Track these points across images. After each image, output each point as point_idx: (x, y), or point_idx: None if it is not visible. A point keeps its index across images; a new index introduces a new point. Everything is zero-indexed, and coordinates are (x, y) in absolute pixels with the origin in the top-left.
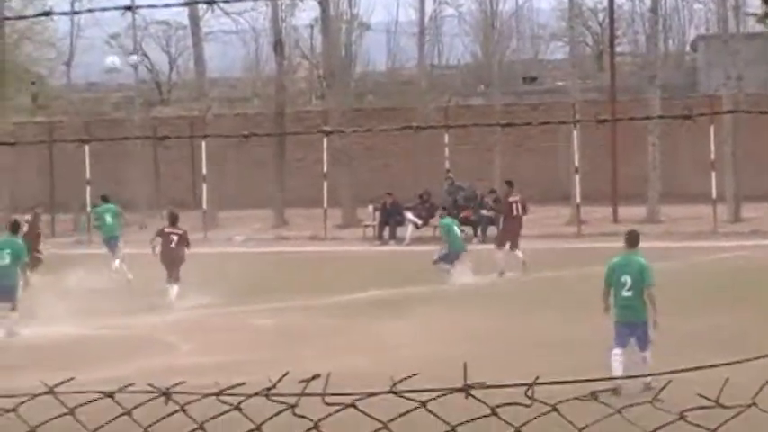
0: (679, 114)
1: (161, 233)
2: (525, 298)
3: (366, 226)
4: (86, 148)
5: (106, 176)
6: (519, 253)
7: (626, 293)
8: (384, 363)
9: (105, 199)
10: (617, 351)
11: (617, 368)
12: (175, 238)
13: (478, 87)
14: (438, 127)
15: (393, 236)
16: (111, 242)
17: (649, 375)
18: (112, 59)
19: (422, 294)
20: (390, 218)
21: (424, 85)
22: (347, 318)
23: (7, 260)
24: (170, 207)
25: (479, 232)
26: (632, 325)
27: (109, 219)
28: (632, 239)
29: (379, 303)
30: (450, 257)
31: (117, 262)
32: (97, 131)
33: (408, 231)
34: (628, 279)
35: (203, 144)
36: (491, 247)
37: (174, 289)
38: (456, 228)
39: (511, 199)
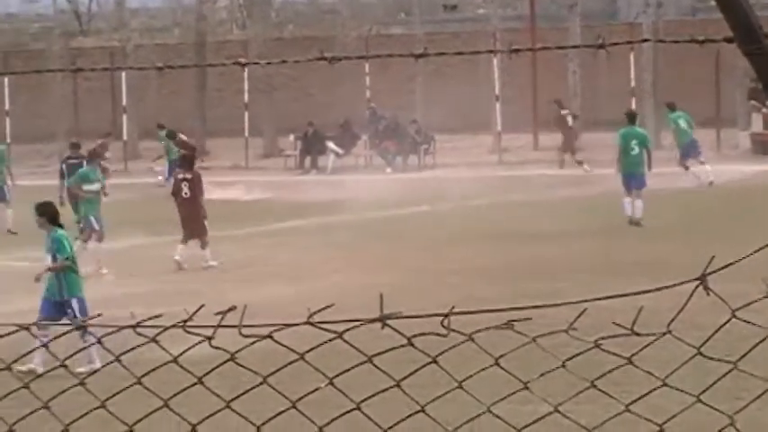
0: (593, 44)
1: (175, 179)
2: (445, 228)
3: (288, 156)
4: (5, 79)
5: (25, 108)
6: None
7: None
8: (304, 293)
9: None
10: None
11: None
12: (186, 184)
13: (399, 15)
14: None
15: (315, 165)
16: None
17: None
18: None
19: (343, 224)
20: (312, 147)
21: (345, 13)
22: (270, 247)
23: None
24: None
25: (401, 161)
26: None
27: None
28: None
29: (301, 233)
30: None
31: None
32: (16, 62)
33: (330, 160)
34: None
35: (123, 75)
36: (411, 175)
37: (206, 254)
38: None
39: None
